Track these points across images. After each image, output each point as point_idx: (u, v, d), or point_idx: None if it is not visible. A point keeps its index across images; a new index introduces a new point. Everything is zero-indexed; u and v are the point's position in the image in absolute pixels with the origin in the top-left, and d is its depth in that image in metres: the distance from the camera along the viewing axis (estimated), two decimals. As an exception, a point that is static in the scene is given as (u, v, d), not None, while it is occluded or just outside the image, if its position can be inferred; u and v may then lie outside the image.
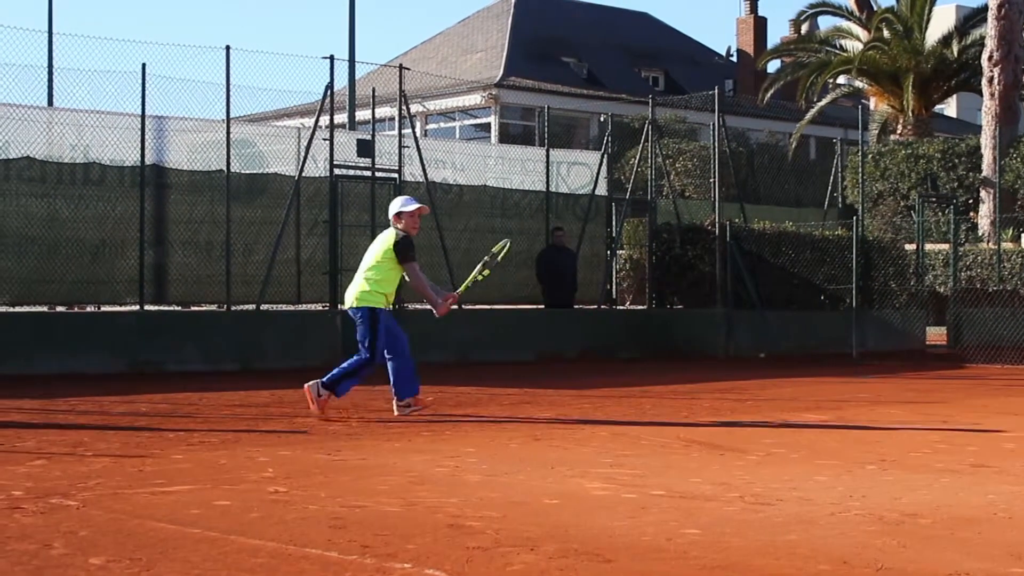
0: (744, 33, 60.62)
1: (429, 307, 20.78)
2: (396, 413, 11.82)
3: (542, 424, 11.45)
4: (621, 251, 24.64)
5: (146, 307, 17.80)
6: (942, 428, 11.66)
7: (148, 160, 17.86)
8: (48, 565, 5.44)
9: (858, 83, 41.42)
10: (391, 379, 11.85)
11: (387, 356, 11.77)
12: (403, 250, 11.73)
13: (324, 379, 11.62)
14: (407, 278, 11.98)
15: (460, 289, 12.86)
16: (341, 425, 11.13)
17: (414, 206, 11.97)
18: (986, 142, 29.55)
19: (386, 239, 11.89)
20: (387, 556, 5.66)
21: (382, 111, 21.10)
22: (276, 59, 21.19)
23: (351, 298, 11.88)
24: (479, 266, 12.49)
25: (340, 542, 5.95)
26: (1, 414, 11.62)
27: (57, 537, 6.00)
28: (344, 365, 11.71)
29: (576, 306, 22.20)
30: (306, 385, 11.61)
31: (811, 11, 40.77)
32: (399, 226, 11.86)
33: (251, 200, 18.99)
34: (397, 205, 11.99)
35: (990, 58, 29.78)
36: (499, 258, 12.59)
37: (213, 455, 9.03)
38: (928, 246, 26.85)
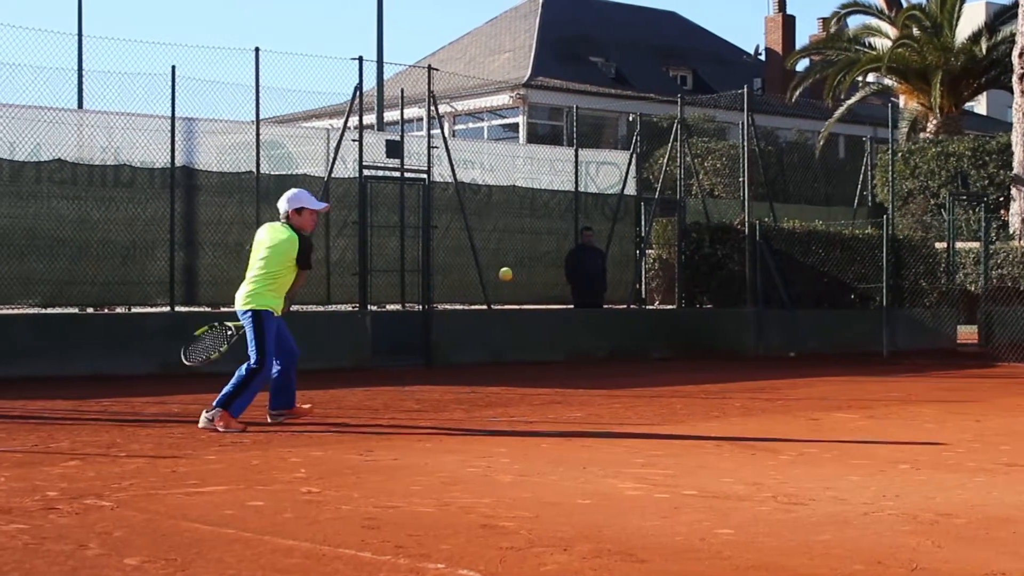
0: (772, 32, 60.50)
1: (456, 307, 20.93)
2: (269, 421, 11.06)
3: (573, 424, 11.44)
4: (650, 251, 24.60)
5: (176, 308, 17.86)
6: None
7: (178, 162, 17.91)
8: (84, 566, 5.47)
9: (887, 81, 41.27)
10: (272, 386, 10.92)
11: (276, 364, 10.87)
12: (307, 256, 10.88)
13: (217, 400, 10.68)
14: (296, 279, 10.96)
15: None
16: (372, 425, 11.14)
17: (322, 205, 11.18)
18: (1016, 139, 29.30)
19: (283, 239, 10.77)
20: (421, 556, 5.66)
21: (410, 112, 21.13)
22: (305, 61, 21.34)
23: (240, 300, 10.90)
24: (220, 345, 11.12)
25: (374, 542, 5.96)
26: (34, 415, 11.68)
27: (92, 537, 6.02)
28: (232, 381, 10.72)
29: (605, 306, 22.18)
30: (202, 420, 10.63)
31: (844, 11, 40.62)
32: (294, 221, 10.83)
33: (281, 201, 19.01)
34: (304, 199, 10.91)
35: (1020, 55, 29.52)
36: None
37: (246, 455, 9.05)
38: (959, 244, 26.70)
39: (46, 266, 17.07)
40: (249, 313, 10.80)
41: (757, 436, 10.61)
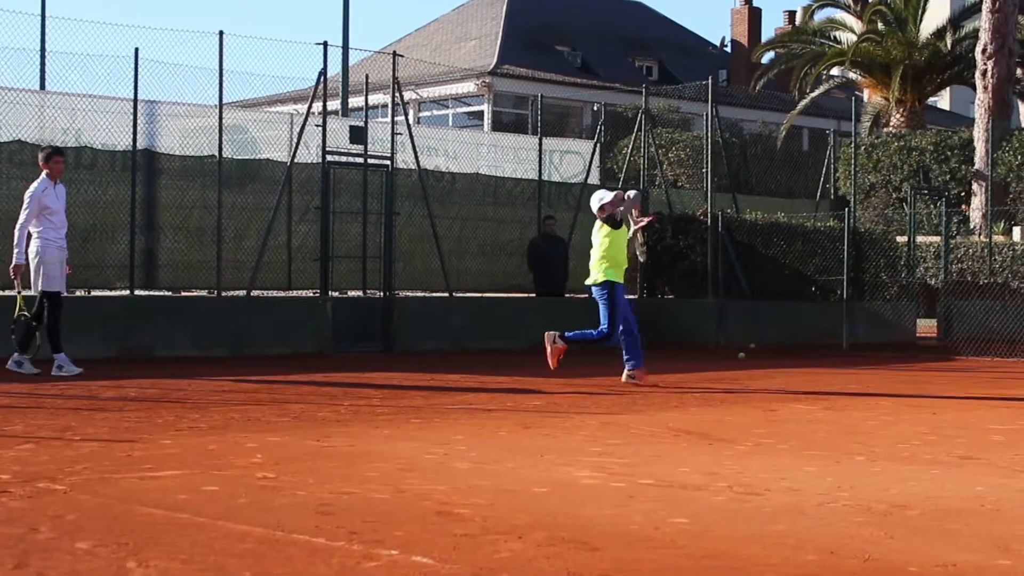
0: (739, 23, 60.66)
1: (418, 294, 20.90)
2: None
3: (532, 412, 11.44)
4: (613, 240, 24.62)
5: (136, 292, 17.77)
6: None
7: (140, 145, 17.84)
8: (34, 549, 5.43)
9: (852, 75, 41.45)
10: None
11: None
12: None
13: None
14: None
15: None
16: (330, 411, 11.12)
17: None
18: (979, 135, 29.55)
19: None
20: (374, 543, 5.65)
21: (375, 98, 21.10)
22: (269, 45, 21.20)
23: None
24: None
25: (328, 528, 5.94)
26: (-10, 398, 11.60)
27: (44, 521, 5.98)
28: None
29: (567, 295, 22.20)
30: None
31: (817, 4, 40.75)
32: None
33: (243, 186, 18.98)
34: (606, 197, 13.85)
35: (984, 51, 29.76)
36: None
37: (202, 440, 9.01)
38: (919, 238, 26.88)
39: (4, 248, 16.92)
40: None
41: (715, 426, 10.64)
